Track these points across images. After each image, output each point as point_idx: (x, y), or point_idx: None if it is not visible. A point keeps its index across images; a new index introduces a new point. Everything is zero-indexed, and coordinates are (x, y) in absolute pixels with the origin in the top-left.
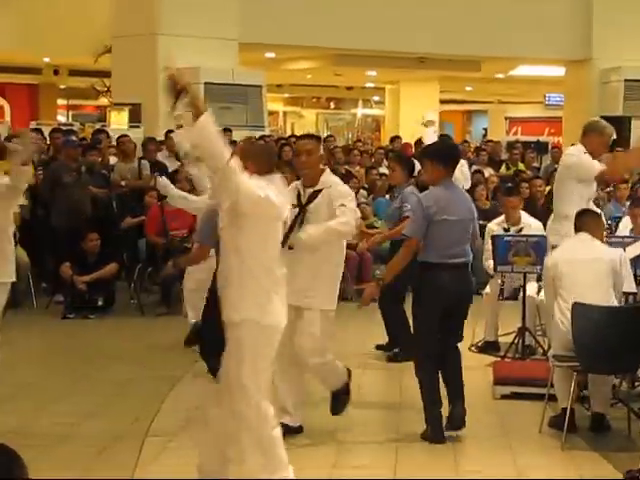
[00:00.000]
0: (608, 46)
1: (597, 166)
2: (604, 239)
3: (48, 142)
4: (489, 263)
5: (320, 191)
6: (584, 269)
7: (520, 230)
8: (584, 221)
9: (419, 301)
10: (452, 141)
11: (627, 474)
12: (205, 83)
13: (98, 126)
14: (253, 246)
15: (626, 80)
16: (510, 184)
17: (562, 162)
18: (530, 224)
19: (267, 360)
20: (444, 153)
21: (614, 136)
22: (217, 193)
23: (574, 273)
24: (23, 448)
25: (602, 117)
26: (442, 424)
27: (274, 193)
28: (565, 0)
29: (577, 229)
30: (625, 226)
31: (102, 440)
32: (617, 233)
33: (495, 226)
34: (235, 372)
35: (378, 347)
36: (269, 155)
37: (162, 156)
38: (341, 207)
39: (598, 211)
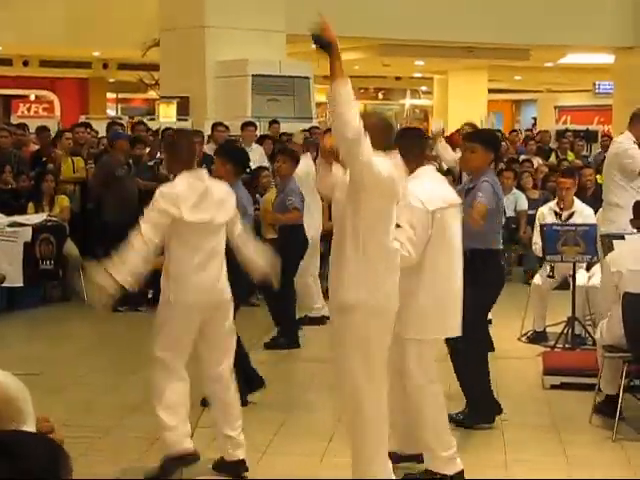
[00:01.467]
0: None
1: None
2: None
3: (99, 136)
4: (537, 247)
5: None
6: None
7: (571, 215)
8: None
9: (485, 288)
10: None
11: None
12: (253, 75)
13: (146, 119)
14: (371, 224)
15: None
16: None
17: (610, 150)
18: (582, 210)
19: (382, 347)
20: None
21: None
22: (346, 163)
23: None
24: (74, 441)
25: None
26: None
27: (393, 171)
28: None
29: (636, 224)
30: None
31: (153, 432)
32: None
33: (547, 209)
34: (347, 361)
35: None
36: (388, 131)
37: (209, 149)
38: None
39: None
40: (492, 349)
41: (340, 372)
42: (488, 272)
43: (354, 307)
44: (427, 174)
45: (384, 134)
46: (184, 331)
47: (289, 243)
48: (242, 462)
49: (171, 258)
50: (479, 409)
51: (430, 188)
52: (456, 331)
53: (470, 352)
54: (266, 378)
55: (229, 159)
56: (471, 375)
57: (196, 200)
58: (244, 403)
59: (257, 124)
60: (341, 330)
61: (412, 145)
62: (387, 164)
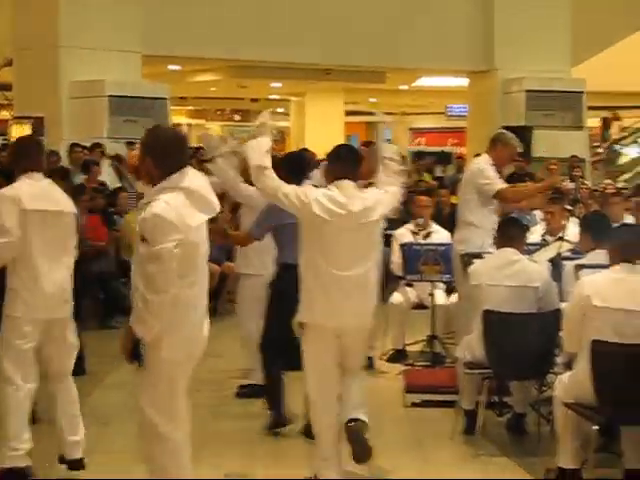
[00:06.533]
0: (510, 57)
1: (495, 186)
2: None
3: None
4: (396, 266)
5: None
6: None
7: (429, 234)
8: (509, 234)
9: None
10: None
11: (547, 473)
12: (109, 96)
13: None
14: None
15: (528, 91)
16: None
17: (467, 171)
18: (438, 231)
19: None
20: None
21: (520, 149)
22: None
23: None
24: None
25: (504, 127)
26: None
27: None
28: (467, 11)
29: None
30: (534, 233)
31: None
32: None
33: (404, 230)
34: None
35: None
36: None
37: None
38: None
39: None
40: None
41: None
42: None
43: None
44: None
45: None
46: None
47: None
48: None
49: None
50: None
51: None
52: None
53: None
54: None
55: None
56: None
57: None
58: None
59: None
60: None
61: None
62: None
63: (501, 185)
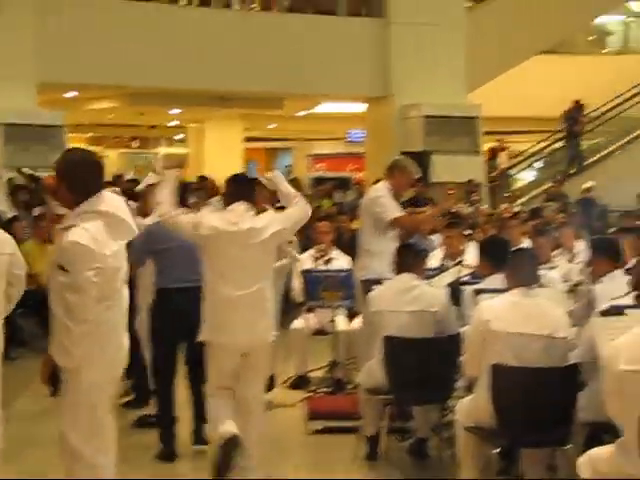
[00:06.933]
0: (407, 83)
1: (394, 213)
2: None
3: None
4: (297, 293)
5: None
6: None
7: (329, 261)
8: (407, 260)
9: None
10: None
11: None
12: (4, 124)
13: None
14: None
15: (425, 116)
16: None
17: (366, 197)
18: (339, 257)
19: None
20: None
21: (418, 174)
22: None
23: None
24: None
25: (403, 153)
26: None
27: None
28: (364, 38)
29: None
30: (433, 258)
31: None
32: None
33: (306, 256)
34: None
35: None
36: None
37: None
38: None
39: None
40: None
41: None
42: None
43: None
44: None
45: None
46: None
47: None
48: None
49: None
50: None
51: None
52: None
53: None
54: None
55: None
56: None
57: None
58: None
59: None
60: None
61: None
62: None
63: (396, 213)
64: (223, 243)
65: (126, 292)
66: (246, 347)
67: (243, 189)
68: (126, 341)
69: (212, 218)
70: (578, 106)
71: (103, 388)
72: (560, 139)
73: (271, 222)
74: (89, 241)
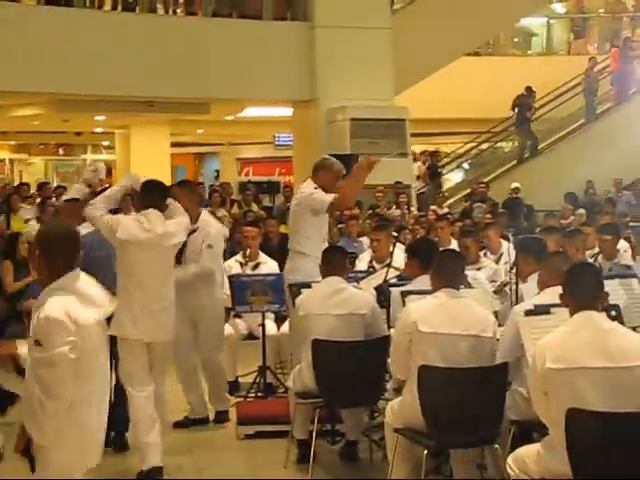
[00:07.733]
0: (332, 86)
1: (328, 198)
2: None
3: None
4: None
5: None
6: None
7: (257, 265)
8: (332, 263)
9: None
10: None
11: None
12: None
13: None
14: None
15: (351, 119)
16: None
17: (295, 199)
18: (267, 260)
19: None
20: None
21: (343, 172)
22: None
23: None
24: None
25: (331, 155)
26: None
27: None
28: (289, 42)
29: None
30: (362, 260)
31: None
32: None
33: (233, 261)
34: None
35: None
36: None
37: None
38: None
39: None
40: None
41: None
42: None
43: None
44: None
45: None
46: None
47: None
48: None
49: None
50: None
51: None
52: None
53: None
54: None
55: None
56: None
57: None
58: None
59: None
60: None
61: None
62: None
63: (332, 196)
64: (137, 245)
65: (107, 373)
66: (153, 342)
67: (155, 195)
68: (104, 426)
69: (128, 222)
70: (529, 92)
71: (75, 468)
72: (511, 125)
73: (179, 228)
74: (62, 315)
